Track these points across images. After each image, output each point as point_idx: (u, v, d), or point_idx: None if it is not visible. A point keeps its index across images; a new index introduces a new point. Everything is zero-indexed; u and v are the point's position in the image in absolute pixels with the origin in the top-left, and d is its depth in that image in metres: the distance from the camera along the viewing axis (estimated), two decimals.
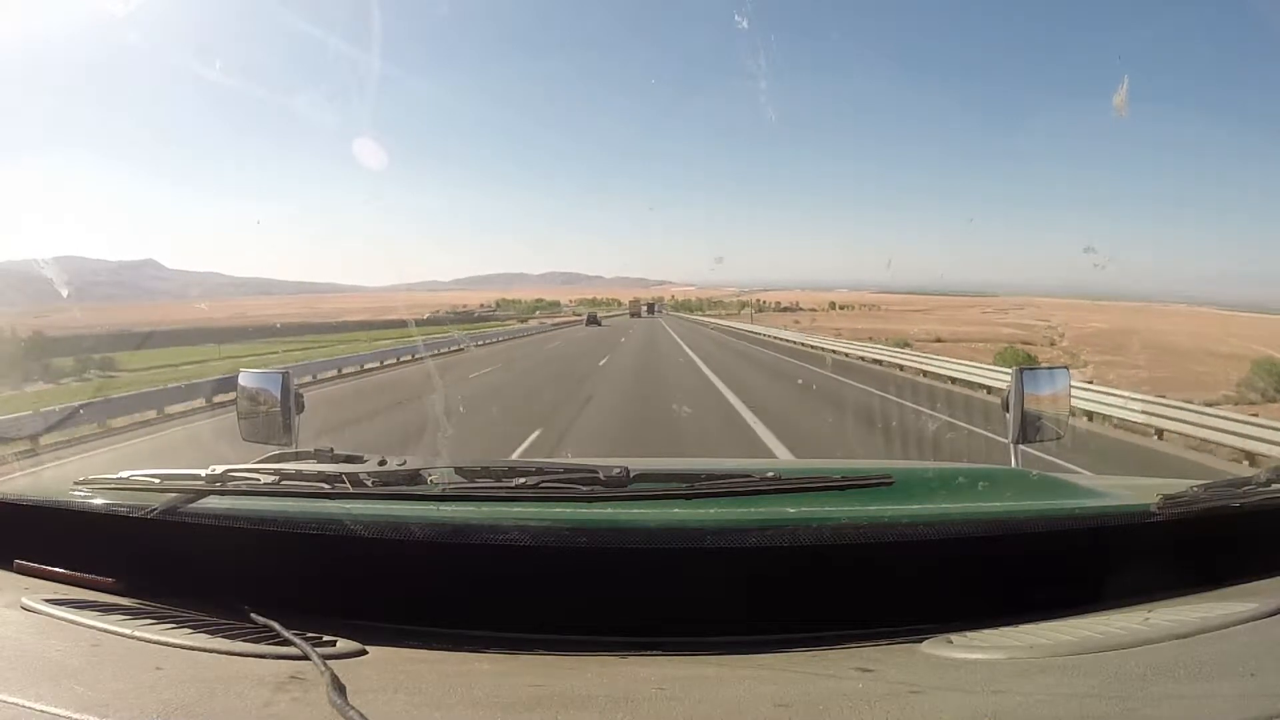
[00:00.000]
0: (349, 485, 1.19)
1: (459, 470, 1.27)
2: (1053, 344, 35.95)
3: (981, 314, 55.89)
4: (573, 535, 1.16)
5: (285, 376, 1.91)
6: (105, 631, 1.01)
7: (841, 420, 11.02)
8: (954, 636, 1.04)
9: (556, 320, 62.65)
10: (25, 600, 1.10)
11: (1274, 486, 1.25)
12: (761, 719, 0.81)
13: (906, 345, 26.84)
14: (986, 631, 1.05)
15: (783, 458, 7.71)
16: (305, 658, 0.93)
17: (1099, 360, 26.10)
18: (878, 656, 1.00)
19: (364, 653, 1.01)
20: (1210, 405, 11.65)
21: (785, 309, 73.71)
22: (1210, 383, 18.08)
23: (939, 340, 36.19)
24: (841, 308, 71.98)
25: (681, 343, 30.17)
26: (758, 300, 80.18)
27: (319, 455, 1.48)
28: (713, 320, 59.30)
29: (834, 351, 24.61)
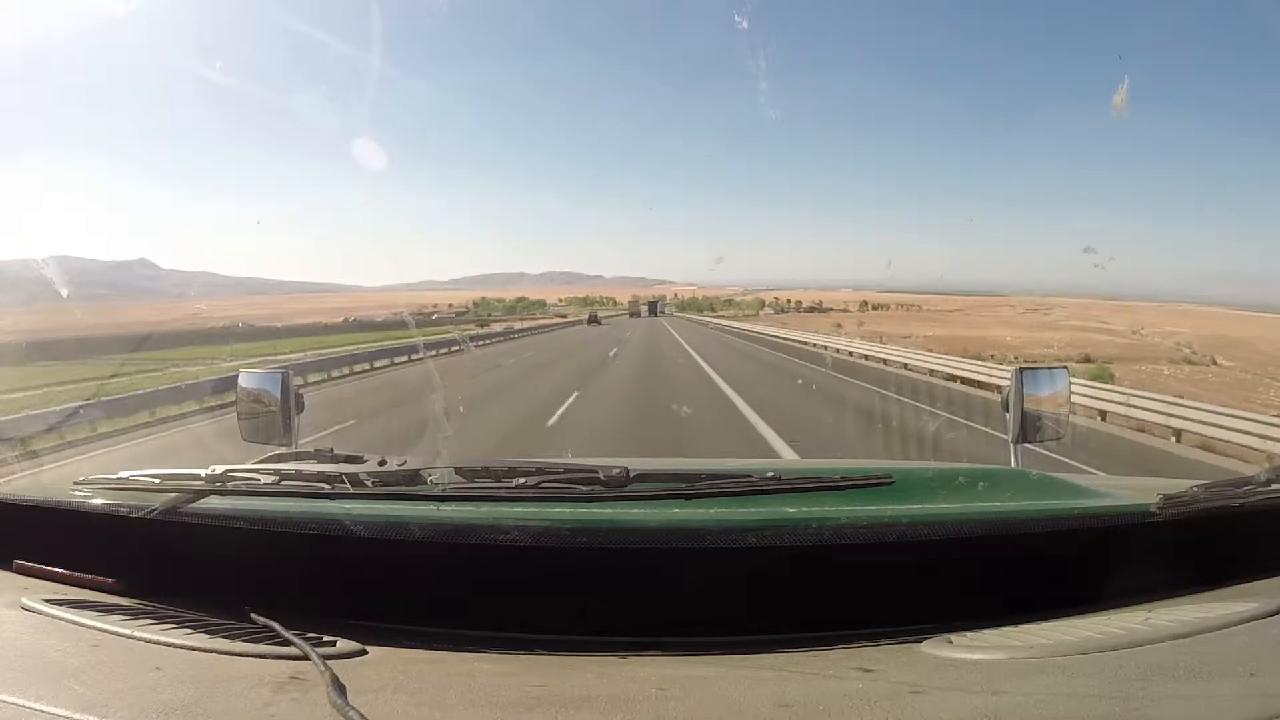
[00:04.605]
0: (349, 485, 1.19)
1: (459, 470, 1.27)
2: (1214, 362, 28.41)
3: (1019, 315, 52.74)
4: (573, 535, 1.16)
5: (285, 376, 1.91)
6: (105, 632, 1.01)
7: None
8: (954, 636, 1.04)
9: (527, 324, 48.87)
10: (25, 600, 1.10)
11: (1274, 486, 1.25)
12: (761, 719, 0.81)
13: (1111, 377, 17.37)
14: (986, 631, 1.05)
15: (787, 457, 7.67)
16: (305, 658, 0.93)
17: None
18: (878, 656, 1.00)
19: (364, 653, 1.01)
20: None
21: (810, 309, 65.90)
22: None
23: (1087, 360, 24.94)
24: (875, 308, 62.67)
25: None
26: (776, 299, 74.22)
27: (319, 455, 1.48)
28: (730, 324, 47.31)
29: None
